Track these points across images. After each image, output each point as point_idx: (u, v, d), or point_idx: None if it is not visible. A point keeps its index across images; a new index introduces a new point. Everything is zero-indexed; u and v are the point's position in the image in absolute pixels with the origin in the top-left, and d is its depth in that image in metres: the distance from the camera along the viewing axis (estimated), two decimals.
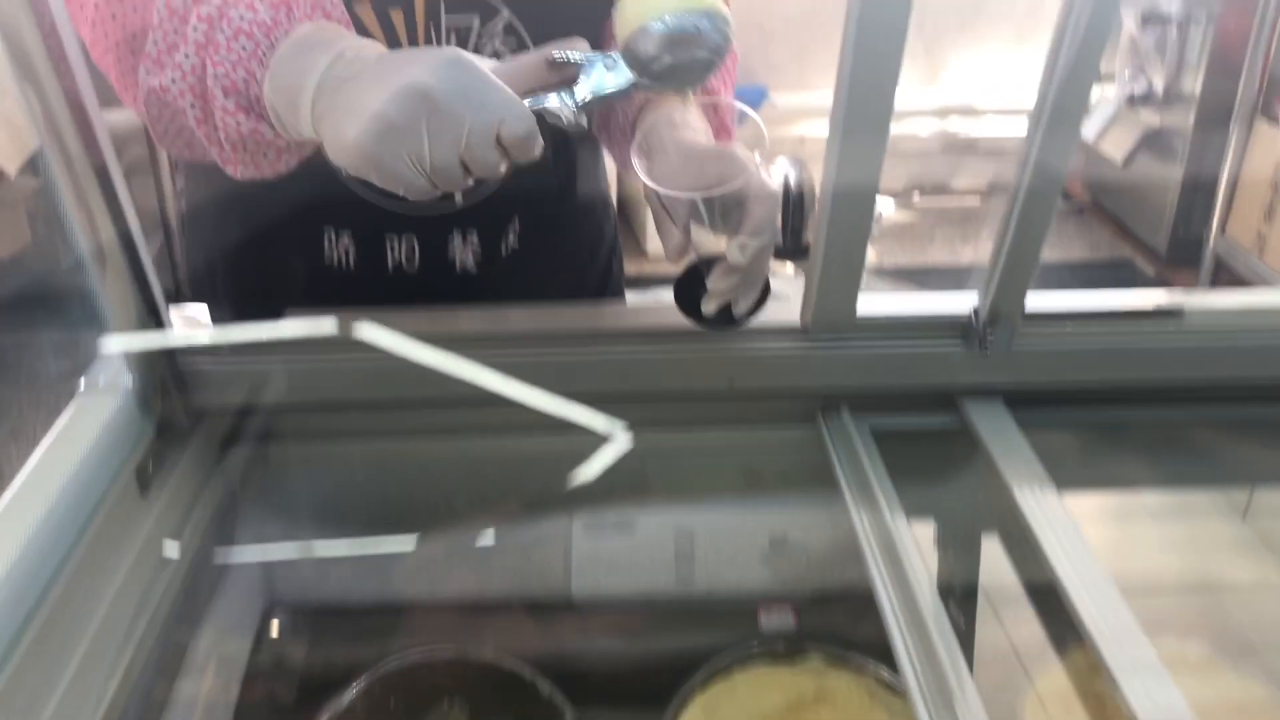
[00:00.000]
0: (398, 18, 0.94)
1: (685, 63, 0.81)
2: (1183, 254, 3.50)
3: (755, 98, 3.72)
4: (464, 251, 1.07)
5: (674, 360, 0.99)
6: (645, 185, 0.90)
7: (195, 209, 1.13)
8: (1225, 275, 3.35)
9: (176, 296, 0.93)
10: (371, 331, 0.59)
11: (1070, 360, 1.00)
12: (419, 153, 0.71)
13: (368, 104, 0.72)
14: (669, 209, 0.93)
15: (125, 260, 0.86)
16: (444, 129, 0.71)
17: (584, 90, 0.79)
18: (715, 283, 0.92)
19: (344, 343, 0.99)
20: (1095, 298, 1.00)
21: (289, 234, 1.06)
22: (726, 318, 0.96)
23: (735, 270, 0.91)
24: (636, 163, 0.91)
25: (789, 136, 3.84)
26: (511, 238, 1.09)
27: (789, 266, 0.98)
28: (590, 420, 0.66)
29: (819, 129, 3.84)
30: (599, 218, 1.21)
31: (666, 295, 0.97)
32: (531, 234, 1.10)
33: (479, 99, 0.72)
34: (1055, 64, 0.83)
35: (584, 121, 0.78)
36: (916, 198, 4.03)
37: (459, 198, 1.04)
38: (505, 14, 0.96)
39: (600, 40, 1.05)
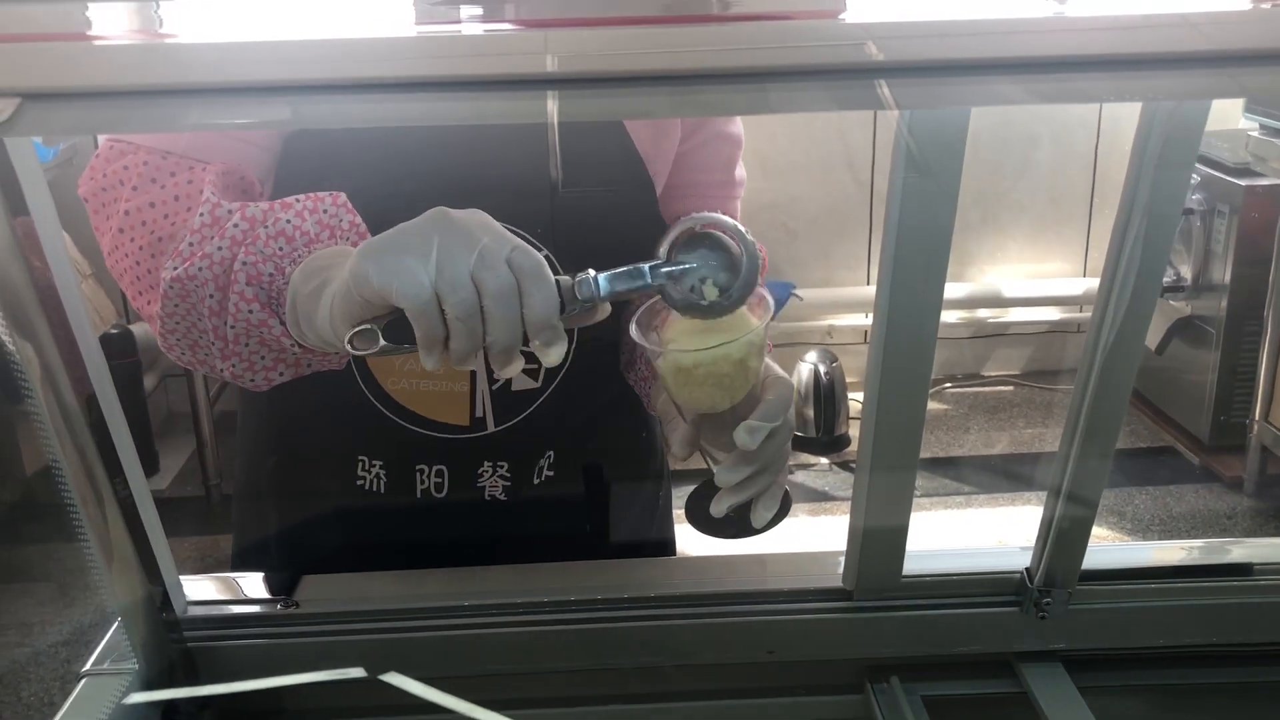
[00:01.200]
0: None
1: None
2: (1226, 441, 3.41)
3: (783, 293, 3.76)
4: (493, 481, 1.04)
5: (708, 627, 0.93)
6: (647, 355, 0.84)
7: (238, 428, 1.13)
8: (1273, 462, 3.26)
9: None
10: (396, 679, 0.55)
11: (1133, 620, 0.94)
12: (427, 253, 0.71)
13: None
14: (677, 402, 0.86)
15: (132, 543, 0.83)
16: (456, 241, 0.71)
17: (612, 275, 0.76)
18: (724, 476, 0.83)
19: (358, 614, 0.94)
20: (1157, 552, 0.94)
21: (323, 459, 1.05)
22: (741, 528, 0.87)
23: (747, 462, 0.83)
24: (634, 329, 0.84)
25: (819, 326, 3.85)
26: (545, 469, 1.06)
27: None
28: None
29: (845, 320, 3.87)
30: (641, 454, 1.17)
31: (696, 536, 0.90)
32: (567, 466, 1.07)
33: (496, 230, 0.73)
34: (1104, 313, 0.80)
35: (598, 292, 0.75)
36: (948, 387, 4.00)
37: (491, 423, 1.01)
38: (544, 251, 0.95)
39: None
